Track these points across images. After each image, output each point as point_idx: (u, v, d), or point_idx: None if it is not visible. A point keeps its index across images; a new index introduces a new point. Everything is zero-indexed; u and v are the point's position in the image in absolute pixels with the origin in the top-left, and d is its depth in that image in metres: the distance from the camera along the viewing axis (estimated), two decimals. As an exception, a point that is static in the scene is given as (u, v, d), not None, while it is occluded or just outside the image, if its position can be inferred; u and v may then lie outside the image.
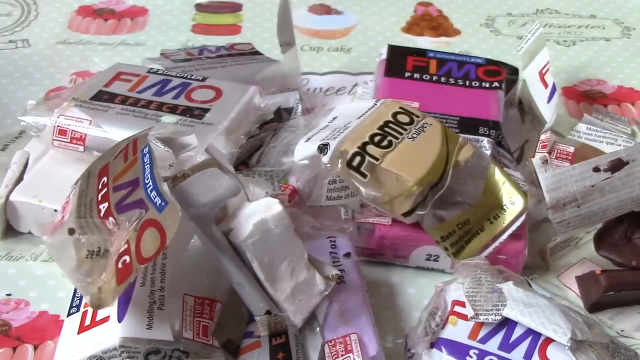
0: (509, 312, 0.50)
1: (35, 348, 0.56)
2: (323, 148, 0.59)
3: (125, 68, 0.71)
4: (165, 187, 0.46)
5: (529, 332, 0.50)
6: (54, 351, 0.53)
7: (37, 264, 0.62)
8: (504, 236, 0.60)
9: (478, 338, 0.51)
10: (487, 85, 0.73)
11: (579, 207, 0.57)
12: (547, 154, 0.59)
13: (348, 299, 0.54)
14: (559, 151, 0.66)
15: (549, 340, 0.49)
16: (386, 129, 0.61)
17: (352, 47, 0.91)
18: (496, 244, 0.60)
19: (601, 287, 0.57)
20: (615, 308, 0.59)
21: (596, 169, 0.57)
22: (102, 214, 0.49)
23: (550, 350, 0.49)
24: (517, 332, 0.50)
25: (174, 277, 0.52)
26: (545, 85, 0.69)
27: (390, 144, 0.60)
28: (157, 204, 0.46)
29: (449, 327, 0.52)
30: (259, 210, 0.50)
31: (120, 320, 0.49)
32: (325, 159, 0.59)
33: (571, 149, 0.66)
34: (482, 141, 0.66)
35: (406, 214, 0.58)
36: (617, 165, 0.57)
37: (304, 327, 0.52)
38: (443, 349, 0.51)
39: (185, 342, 0.50)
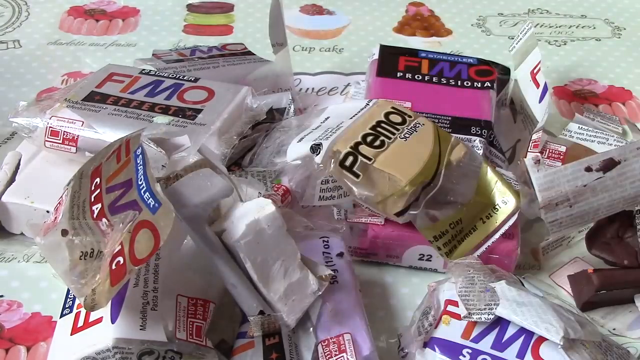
0: (502, 311, 0.50)
1: (28, 349, 0.56)
2: (316, 148, 0.59)
3: (117, 69, 0.71)
4: (158, 188, 0.46)
5: (522, 331, 0.50)
6: (46, 353, 0.53)
7: (30, 265, 0.62)
8: (497, 235, 0.60)
9: (471, 337, 0.51)
10: (479, 85, 0.73)
11: (571, 207, 0.57)
12: (539, 154, 0.59)
13: (341, 299, 0.54)
14: (550, 151, 0.66)
15: (541, 339, 0.50)
16: (378, 129, 0.61)
17: (344, 47, 0.91)
18: (489, 243, 0.60)
19: (593, 286, 0.57)
20: (607, 307, 0.59)
21: (588, 169, 0.57)
22: (95, 215, 0.49)
23: (543, 349, 0.49)
24: (510, 331, 0.51)
25: (167, 278, 0.52)
26: (537, 85, 0.69)
27: (382, 143, 0.60)
28: (151, 205, 0.46)
29: (442, 326, 0.52)
30: (252, 210, 0.50)
31: (113, 321, 0.49)
32: (317, 159, 0.59)
33: (563, 149, 0.66)
34: (474, 141, 0.66)
35: (399, 214, 0.58)
36: (608, 164, 0.57)
37: (297, 327, 0.52)
38: (436, 348, 0.51)
39: (179, 342, 0.50)
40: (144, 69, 0.71)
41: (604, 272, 0.58)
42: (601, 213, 0.58)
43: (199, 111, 0.65)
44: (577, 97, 0.84)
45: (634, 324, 0.58)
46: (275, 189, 0.63)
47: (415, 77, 0.73)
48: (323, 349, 0.51)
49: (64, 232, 0.49)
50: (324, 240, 0.59)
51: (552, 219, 0.58)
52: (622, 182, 0.57)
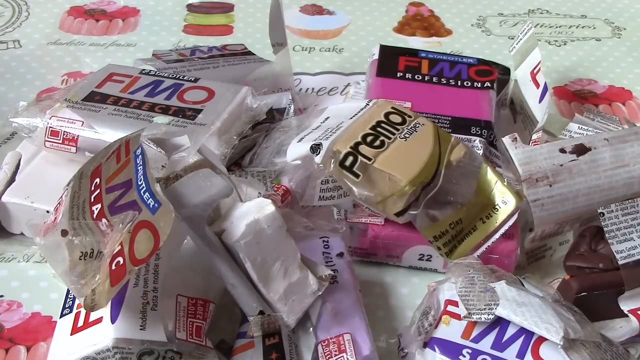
0: (501, 311, 0.50)
1: (28, 349, 0.56)
2: (315, 148, 0.59)
3: (117, 69, 0.71)
4: (158, 188, 0.46)
5: (522, 331, 0.50)
6: (46, 352, 0.53)
7: (30, 265, 0.62)
8: (497, 235, 0.60)
9: (471, 337, 0.51)
10: (479, 85, 0.73)
11: (550, 187, 0.59)
12: (515, 133, 0.61)
13: (341, 299, 0.54)
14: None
15: (541, 339, 0.50)
16: (378, 129, 0.61)
17: (344, 47, 0.91)
18: (489, 243, 0.60)
19: (572, 289, 0.57)
20: (598, 321, 0.58)
21: (562, 150, 0.60)
22: (95, 216, 0.49)
23: (543, 349, 0.49)
24: (510, 331, 0.51)
25: (167, 278, 0.52)
26: (537, 85, 0.70)
27: (382, 144, 0.60)
28: (151, 205, 0.46)
29: (442, 326, 0.52)
30: (252, 210, 0.50)
31: (113, 321, 0.49)
32: (317, 159, 0.59)
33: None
34: (474, 141, 0.66)
35: (399, 214, 0.58)
36: (580, 149, 0.60)
37: (297, 327, 0.52)
38: (436, 349, 0.51)
39: (179, 342, 0.50)
40: (144, 69, 0.71)
41: (581, 276, 0.58)
42: (580, 202, 0.60)
43: (199, 111, 0.65)
44: (577, 97, 0.84)
45: (626, 337, 0.58)
46: (275, 189, 0.63)
47: (415, 77, 0.73)
48: (323, 349, 0.51)
49: (64, 232, 0.49)
50: (324, 240, 0.59)
51: (534, 197, 0.59)
52: (595, 169, 0.60)
